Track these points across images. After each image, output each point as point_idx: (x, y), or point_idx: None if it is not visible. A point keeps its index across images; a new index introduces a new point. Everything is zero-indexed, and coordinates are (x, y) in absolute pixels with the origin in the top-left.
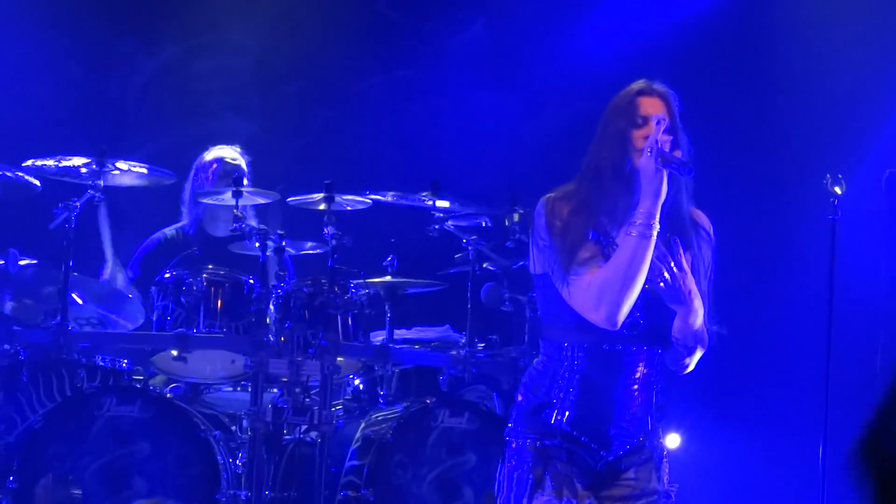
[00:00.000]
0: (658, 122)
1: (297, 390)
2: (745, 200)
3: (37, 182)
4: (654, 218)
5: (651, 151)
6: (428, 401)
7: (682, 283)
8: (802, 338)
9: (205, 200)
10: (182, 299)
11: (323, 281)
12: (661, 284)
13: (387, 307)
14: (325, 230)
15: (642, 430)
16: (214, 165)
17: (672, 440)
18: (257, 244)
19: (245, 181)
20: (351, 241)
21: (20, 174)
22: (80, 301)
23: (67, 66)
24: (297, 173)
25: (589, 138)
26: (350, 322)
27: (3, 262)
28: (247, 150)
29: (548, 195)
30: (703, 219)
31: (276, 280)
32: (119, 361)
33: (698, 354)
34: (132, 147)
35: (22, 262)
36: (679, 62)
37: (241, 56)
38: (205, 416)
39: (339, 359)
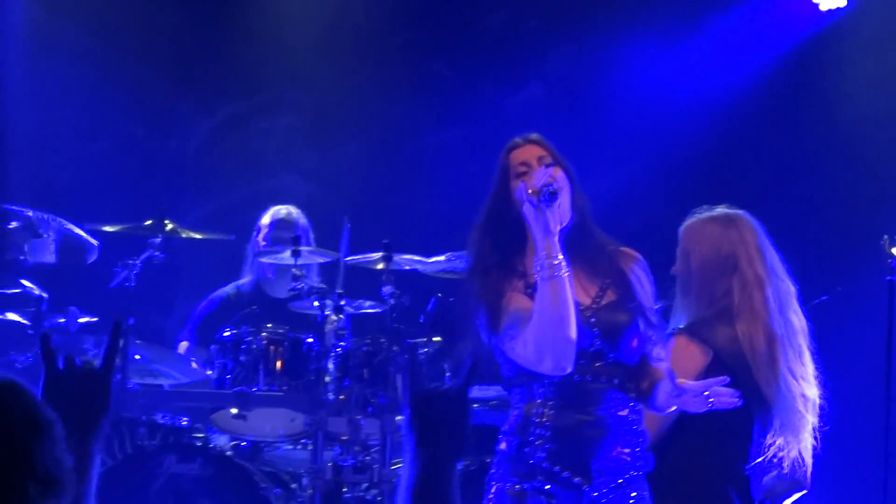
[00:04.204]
0: (543, 167)
1: (357, 448)
2: (803, 259)
3: (94, 241)
4: (555, 253)
5: (524, 193)
6: (487, 459)
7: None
8: (860, 401)
9: (264, 260)
10: (242, 357)
11: (382, 339)
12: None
13: (445, 366)
14: (384, 289)
15: (624, 472)
16: (269, 228)
17: None
18: (316, 303)
19: (303, 241)
20: (409, 300)
21: (80, 232)
22: (137, 357)
23: (127, 126)
24: (355, 233)
25: (648, 196)
26: (407, 381)
27: (63, 320)
28: (304, 209)
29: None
30: (627, 254)
31: (335, 339)
32: (179, 419)
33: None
34: (191, 206)
35: (81, 320)
36: (736, 120)
37: (298, 116)
38: (265, 474)
39: (398, 417)
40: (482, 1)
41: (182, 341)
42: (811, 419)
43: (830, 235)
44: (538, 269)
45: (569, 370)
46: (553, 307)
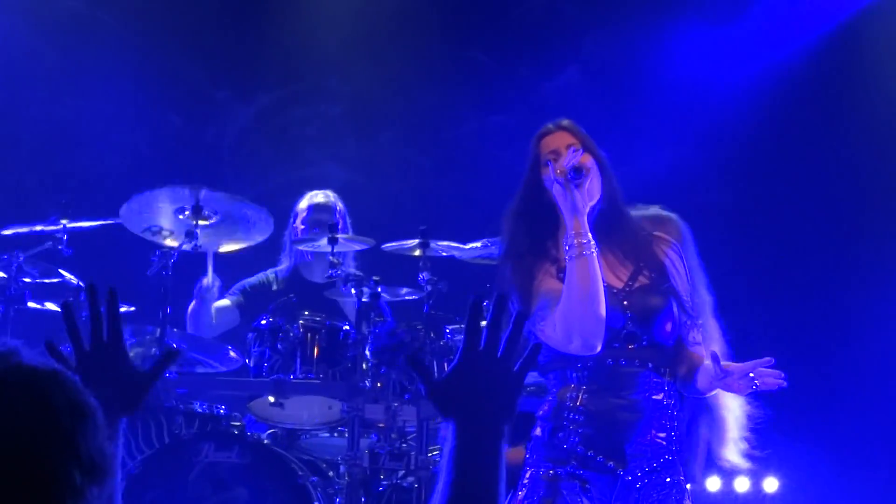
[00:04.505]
0: (572, 150)
1: (394, 436)
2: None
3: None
4: (584, 232)
5: (552, 175)
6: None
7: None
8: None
9: (301, 247)
10: (279, 346)
11: (419, 326)
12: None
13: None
14: (421, 276)
15: (659, 456)
16: (307, 212)
17: (770, 484)
18: (353, 290)
19: (340, 226)
20: (446, 287)
21: (117, 221)
22: (175, 346)
23: (165, 115)
24: (392, 219)
25: (688, 180)
26: (446, 367)
27: (102, 308)
28: (342, 196)
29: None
30: (661, 238)
31: (371, 326)
32: (217, 407)
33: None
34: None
35: (120, 310)
36: (778, 101)
37: (336, 103)
38: (302, 462)
39: None
40: None
41: (224, 299)
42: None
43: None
44: (567, 248)
45: (598, 349)
46: (581, 285)
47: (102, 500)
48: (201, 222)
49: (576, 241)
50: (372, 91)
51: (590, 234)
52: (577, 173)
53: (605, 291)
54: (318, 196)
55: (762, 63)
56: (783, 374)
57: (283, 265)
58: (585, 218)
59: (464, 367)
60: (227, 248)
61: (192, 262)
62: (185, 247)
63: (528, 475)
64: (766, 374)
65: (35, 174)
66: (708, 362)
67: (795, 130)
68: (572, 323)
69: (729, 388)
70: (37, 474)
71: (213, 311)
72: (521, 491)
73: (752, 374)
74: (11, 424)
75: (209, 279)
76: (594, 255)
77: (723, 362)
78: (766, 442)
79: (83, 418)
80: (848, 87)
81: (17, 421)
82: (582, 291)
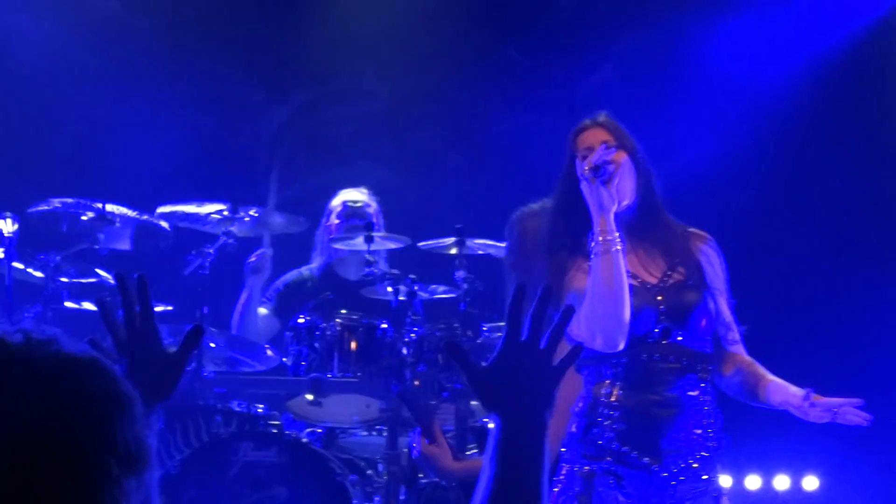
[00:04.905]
0: (603, 147)
1: None
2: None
3: (166, 225)
4: (611, 230)
5: (581, 171)
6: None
7: None
8: None
9: (337, 246)
10: (316, 344)
11: (455, 325)
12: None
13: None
14: (457, 274)
15: (695, 452)
16: (341, 208)
17: (809, 483)
18: (389, 289)
19: (374, 224)
20: (483, 285)
21: (154, 220)
22: (213, 346)
23: (199, 116)
24: (428, 218)
25: (725, 177)
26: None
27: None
28: (378, 195)
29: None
30: (697, 234)
31: (408, 324)
32: (255, 406)
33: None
34: (264, 194)
35: (157, 309)
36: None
37: (370, 102)
38: (341, 461)
39: (472, 402)
40: None
41: (261, 307)
42: None
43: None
44: (592, 244)
45: (620, 347)
46: (605, 282)
47: (141, 492)
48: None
49: (601, 238)
50: (407, 89)
51: (616, 232)
52: (595, 171)
53: (639, 288)
54: (351, 193)
55: (804, 56)
56: (870, 417)
57: (316, 262)
58: (612, 215)
59: (506, 358)
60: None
61: (229, 262)
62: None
63: (563, 471)
64: (850, 412)
65: (72, 175)
66: (778, 380)
67: (831, 125)
68: (595, 320)
69: (806, 416)
70: (72, 462)
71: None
72: (556, 487)
73: (836, 410)
74: (49, 411)
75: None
76: (619, 252)
77: (813, 396)
78: (806, 440)
79: (121, 407)
80: (890, 78)
81: (55, 408)
82: (605, 289)
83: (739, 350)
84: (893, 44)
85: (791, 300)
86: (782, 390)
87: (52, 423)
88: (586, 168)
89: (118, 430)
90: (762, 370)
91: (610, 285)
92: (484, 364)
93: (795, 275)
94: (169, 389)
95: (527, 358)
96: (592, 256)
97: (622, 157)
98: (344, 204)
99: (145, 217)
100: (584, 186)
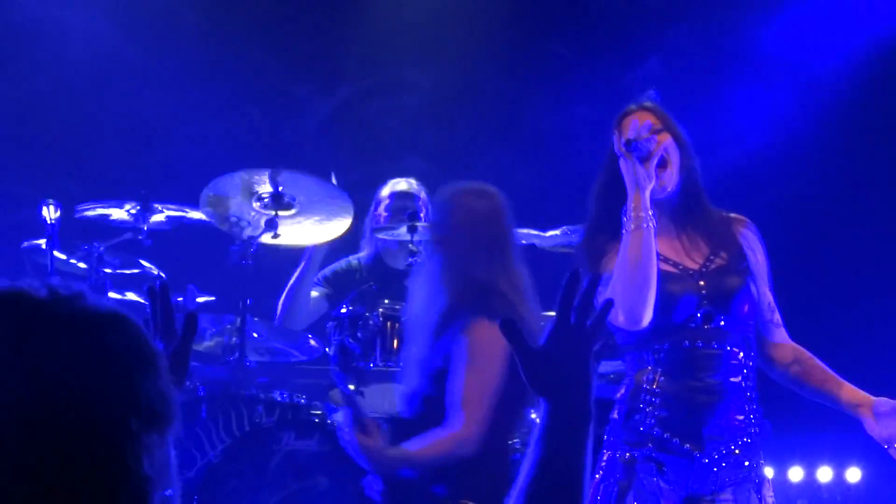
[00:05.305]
0: (646, 125)
1: None
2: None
3: (207, 218)
4: (644, 207)
5: (617, 146)
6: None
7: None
8: None
9: (381, 236)
10: (359, 334)
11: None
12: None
13: None
14: None
15: (737, 438)
16: (390, 199)
17: (852, 474)
18: None
19: (423, 214)
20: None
21: (198, 213)
22: (255, 336)
23: (244, 109)
24: None
25: (770, 174)
26: None
27: (181, 298)
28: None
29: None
30: (737, 219)
31: None
32: (297, 396)
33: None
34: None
35: (200, 299)
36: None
37: (415, 95)
38: None
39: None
40: None
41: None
42: None
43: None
44: (625, 220)
45: (644, 324)
46: (633, 258)
47: (163, 448)
48: (281, 212)
49: (634, 215)
50: (451, 83)
51: (650, 210)
52: (629, 146)
53: (680, 274)
54: (400, 183)
55: (846, 45)
56: None
57: (364, 252)
58: (647, 193)
59: (556, 342)
60: (317, 239)
61: (272, 253)
62: (265, 239)
63: (605, 457)
64: None
65: (117, 168)
66: (832, 376)
67: (886, 113)
68: (621, 294)
69: (871, 431)
70: (94, 416)
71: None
72: (598, 473)
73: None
74: (72, 369)
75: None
76: (650, 229)
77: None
78: (849, 431)
79: (143, 362)
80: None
81: (78, 365)
82: (633, 264)
83: (784, 335)
84: None
85: (841, 293)
86: (857, 394)
87: (76, 376)
88: (623, 143)
89: (141, 385)
90: (823, 365)
91: (637, 261)
92: (535, 347)
93: (846, 267)
94: (180, 380)
95: (574, 342)
96: (623, 232)
97: (666, 138)
98: (392, 194)
99: (189, 210)
100: (621, 163)
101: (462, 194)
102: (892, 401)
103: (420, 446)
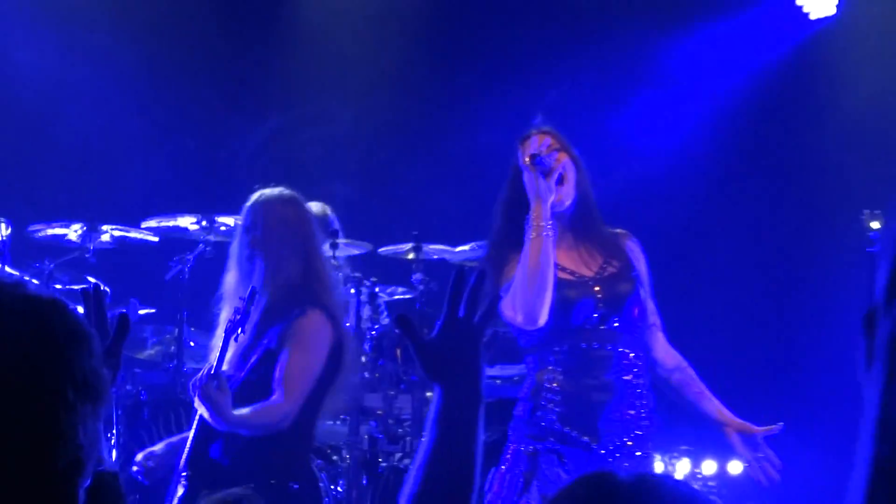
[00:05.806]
0: (545, 142)
1: (391, 422)
2: (788, 233)
3: (155, 238)
4: (545, 217)
5: (521, 161)
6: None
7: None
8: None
9: None
10: None
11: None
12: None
13: None
14: (414, 276)
15: (630, 431)
16: None
17: (734, 467)
18: (352, 290)
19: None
20: (437, 286)
21: (139, 233)
22: (192, 344)
23: (182, 137)
24: (387, 227)
25: (656, 193)
26: None
27: (125, 310)
28: (344, 208)
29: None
30: (622, 234)
31: (369, 322)
32: None
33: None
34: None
35: (141, 312)
36: (730, 122)
37: (338, 125)
38: None
39: (427, 393)
40: (499, 14)
41: None
42: None
43: (815, 210)
44: (527, 229)
45: (540, 324)
46: (533, 263)
47: (96, 420)
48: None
49: (535, 224)
50: (371, 112)
51: (549, 220)
52: (534, 160)
53: (577, 281)
54: (315, 206)
55: (708, 88)
56: (779, 477)
57: None
58: (548, 204)
59: (446, 332)
60: None
61: (207, 266)
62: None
63: (510, 451)
64: (765, 467)
65: (65, 191)
66: (706, 393)
67: (747, 147)
68: (520, 295)
69: (737, 445)
70: (33, 388)
71: None
72: (503, 465)
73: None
74: (15, 345)
75: None
76: (550, 238)
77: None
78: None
79: (78, 342)
80: (793, 108)
81: (21, 342)
82: (532, 267)
83: (664, 340)
84: (804, 70)
85: (717, 301)
86: (725, 414)
87: (17, 354)
88: (527, 158)
89: (75, 361)
90: (699, 380)
91: (536, 266)
92: (427, 339)
93: (734, 280)
94: (113, 378)
95: (463, 333)
96: (525, 240)
97: (564, 157)
98: None
99: (131, 230)
100: (525, 176)
101: (271, 201)
102: (754, 429)
103: (252, 411)
